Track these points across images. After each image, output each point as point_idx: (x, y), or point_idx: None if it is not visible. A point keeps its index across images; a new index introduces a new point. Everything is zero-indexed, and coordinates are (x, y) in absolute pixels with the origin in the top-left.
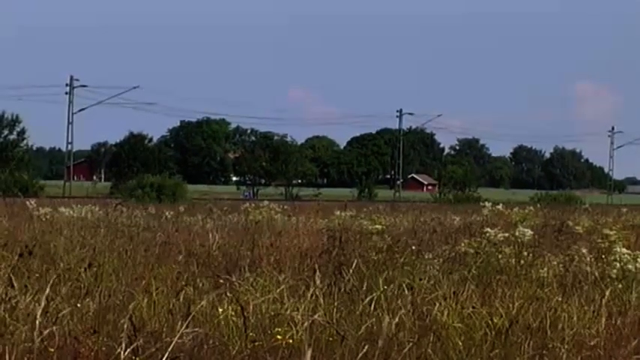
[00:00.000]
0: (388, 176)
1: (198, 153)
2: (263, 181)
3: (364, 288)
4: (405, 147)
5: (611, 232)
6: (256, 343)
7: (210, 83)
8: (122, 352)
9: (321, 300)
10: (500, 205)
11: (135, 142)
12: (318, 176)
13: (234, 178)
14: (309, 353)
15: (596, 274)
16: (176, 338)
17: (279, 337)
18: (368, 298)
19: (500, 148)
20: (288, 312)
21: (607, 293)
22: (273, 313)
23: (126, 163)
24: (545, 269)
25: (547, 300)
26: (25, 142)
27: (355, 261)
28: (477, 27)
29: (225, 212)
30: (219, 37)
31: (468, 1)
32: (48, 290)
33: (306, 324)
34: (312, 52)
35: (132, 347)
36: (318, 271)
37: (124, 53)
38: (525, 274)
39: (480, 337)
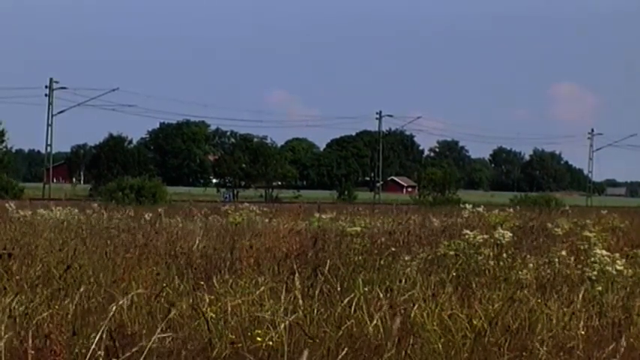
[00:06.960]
0: (368, 178)
1: (178, 155)
2: (243, 183)
3: (343, 289)
4: (384, 149)
5: (591, 234)
6: (236, 345)
7: (189, 85)
8: (101, 355)
9: (300, 301)
10: (481, 207)
11: (114, 144)
12: (297, 178)
13: (213, 180)
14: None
15: (576, 275)
16: (153, 339)
17: (259, 338)
18: (347, 299)
19: (479, 150)
20: (268, 314)
21: (585, 295)
22: (252, 315)
23: (105, 165)
24: (525, 271)
25: (526, 302)
26: (4, 144)
27: (334, 262)
28: (456, 29)
29: (205, 214)
30: (199, 39)
31: (447, 4)
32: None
33: (283, 325)
34: (292, 54)
35: (110, 349)
36: (297, 272)
37: (103, 55)
38: (505, 276)
39: (460, 339)
